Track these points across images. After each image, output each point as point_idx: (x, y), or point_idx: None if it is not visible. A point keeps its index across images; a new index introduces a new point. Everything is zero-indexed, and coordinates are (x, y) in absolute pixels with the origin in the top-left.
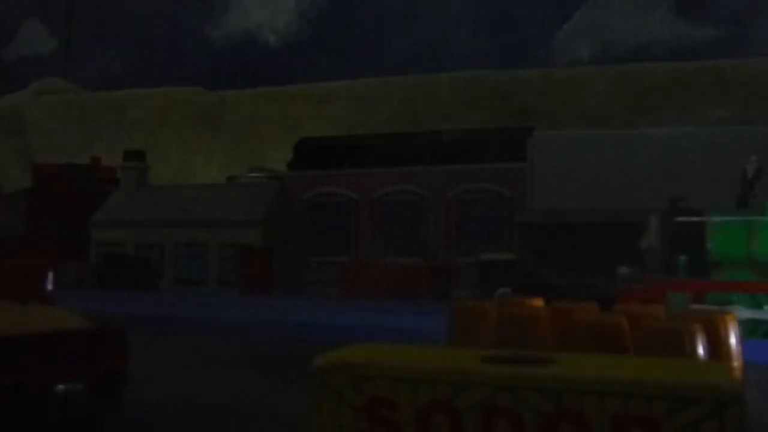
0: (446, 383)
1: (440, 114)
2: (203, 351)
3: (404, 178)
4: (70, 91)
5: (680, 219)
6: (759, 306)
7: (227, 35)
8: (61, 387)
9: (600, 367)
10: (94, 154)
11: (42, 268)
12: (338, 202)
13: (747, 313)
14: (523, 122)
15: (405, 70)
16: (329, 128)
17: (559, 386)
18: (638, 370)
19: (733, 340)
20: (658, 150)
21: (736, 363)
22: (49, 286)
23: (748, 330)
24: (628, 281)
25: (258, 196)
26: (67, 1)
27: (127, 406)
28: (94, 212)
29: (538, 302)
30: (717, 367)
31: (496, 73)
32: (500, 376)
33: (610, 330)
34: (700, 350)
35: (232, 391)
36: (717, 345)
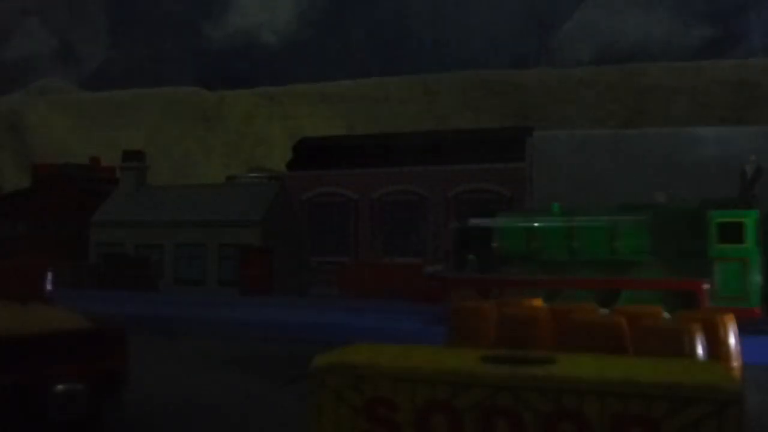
0: (446, 383)
1: (440, 114)
2: (203, 351)
3: (404, 178)
4: (70, 91)
5: (473, 221)
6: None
7: (227, 35)
8: (61, 387)
9: (600, 367)
10: (93, 154)
11: (42, 268)
12: (338, 202)
13: None
14: (523, 122)
15: (405, 70)
16: (329, 128)
17: (559, 386)
18: (638, 370)
19: (732, 340)
20: (658, 150)
21: (736, 363)
22: (49, 286)
23: None
24: (433, 278)
25: (257, 196)
26: (67, 1)
27: (127, 406)
28: (94, 212)
29: (538, 302)
30: (717, 367)
31: (496, 73)
32: (500, 376)
33: (609, 330)
34: (700, 350)
35: (232, 391)
36: (716, 345)
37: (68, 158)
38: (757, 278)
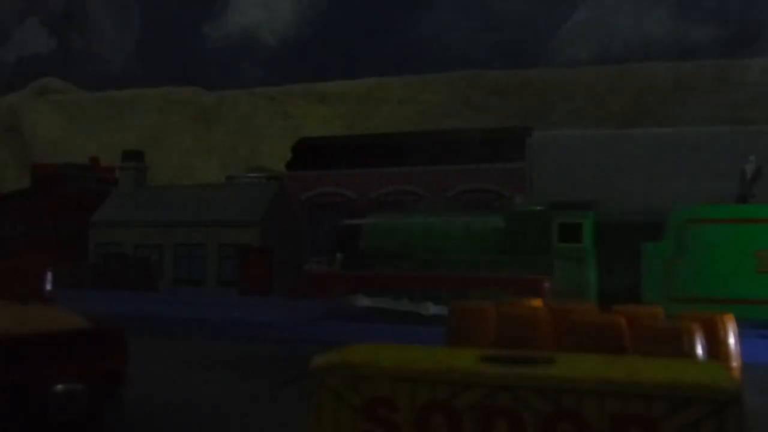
0: (445, 383)
1: (440, 114)
2: (203, 351)
3: (404, 178)
4: (70, 91)
5: (345, 221)
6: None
7: (227, 35)
8: (61, 387)
9: (599, 367)
10: (93, 154)
11: (41, 268)
12: (338, 202)
13: (366, 302)
14: (523, 122)
15: (405, 70)
16: (329, 128)
17: (559, 386)
18: (637, 370)
19: (732, 340)
20: (658, 150)
21: (735, 363)
22: (49, 286)
23: None
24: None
25: (257, 196)
26: (66, 1)
27: (127, 406)
28: (94, 212)
29: (538, 302)
30: (716, 367)
31: (496, 73)
32: (499, 376)
33: (609, 330)
34: (699, 350)
35: (232, 391)
36: (716, 345)
37: (68, 158)
38: (592, 275)
